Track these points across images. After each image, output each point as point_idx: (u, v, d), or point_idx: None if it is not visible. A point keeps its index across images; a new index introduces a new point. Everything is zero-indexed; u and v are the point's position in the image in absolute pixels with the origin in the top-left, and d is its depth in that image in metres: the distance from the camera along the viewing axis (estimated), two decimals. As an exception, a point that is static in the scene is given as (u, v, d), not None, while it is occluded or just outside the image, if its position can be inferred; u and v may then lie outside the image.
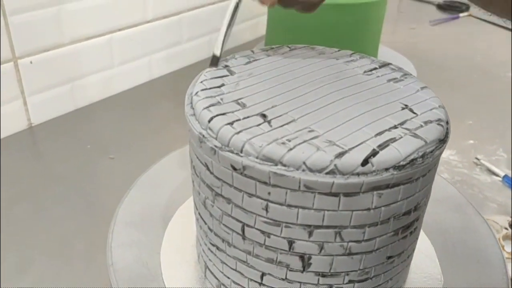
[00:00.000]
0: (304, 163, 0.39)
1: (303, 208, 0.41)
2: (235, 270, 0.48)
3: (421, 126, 0.43)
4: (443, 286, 0.55)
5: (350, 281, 0.46)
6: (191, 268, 0.55)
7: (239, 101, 0.45)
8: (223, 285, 0.51)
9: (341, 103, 0.46)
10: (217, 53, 0.51)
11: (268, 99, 0.46)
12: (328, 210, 0.41)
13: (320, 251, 0.43)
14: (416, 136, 0.42)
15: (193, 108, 0.46)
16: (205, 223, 0.49)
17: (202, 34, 1.18)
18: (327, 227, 0.42)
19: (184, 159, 0.72)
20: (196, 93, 0.46)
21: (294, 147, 0.40)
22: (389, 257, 0.46)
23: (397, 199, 0.42)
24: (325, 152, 0.39)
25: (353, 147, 0.40)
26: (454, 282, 0.55)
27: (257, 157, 0.40)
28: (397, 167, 0.40)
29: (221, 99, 0.45)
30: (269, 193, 0.41)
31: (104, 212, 0.67)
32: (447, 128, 0.45)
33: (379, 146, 0.40)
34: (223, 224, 0.46)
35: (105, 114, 0.96)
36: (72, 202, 0.72)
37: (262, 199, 0.42)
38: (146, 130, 0.91)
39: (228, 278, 0.50)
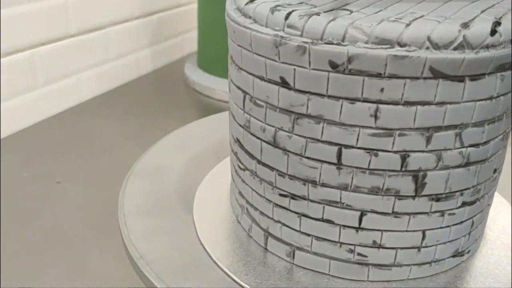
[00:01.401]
0: (428, 38, 0.31)
1: (423, 104, 0.33)
2: (322, 220, 0.38)
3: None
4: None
5: (463, 204, 0.38)
6: (245, 243, 0.44)
7: (306, 2, 0.37)
8: (299, 248, 0.40)
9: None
10: None
11: None
12: (450, 103, 0.33)
13: (437, 163, 0.35)
14: (520, 11, 0.36)
15: (250, 17, 0.36)
16: (272, 170, 0.39)
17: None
18: (448, 127, 0.34)
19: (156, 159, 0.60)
20: (248, 3, 0.37)
21: (411, 22, 0.32)
22: (495, 171, 0.39)
23: (513, 86, 0.36)
24: (450, 23, 0.32)
25: (473, 19, 0.33)
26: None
27: (366, 42, 0.32)
28: (520, 40, 0.34)
29: (284, 2, 0.37)
30: (382, 90, 0.33)
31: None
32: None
33: (496, 17, 0.34)
34: (307, 158, 0.36)
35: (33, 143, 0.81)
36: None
37: (370, 102, 0.33)
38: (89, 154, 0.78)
39: (309, 235, 0.39)
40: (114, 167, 0.71)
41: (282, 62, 0.34)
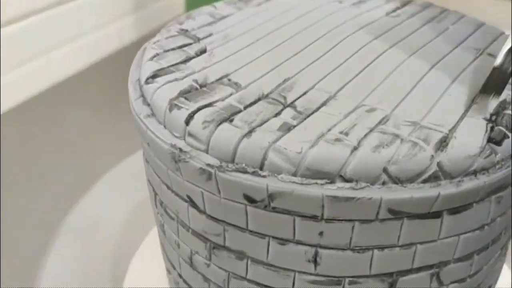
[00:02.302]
0: (385, 170, 0.21)
1: (382, 248, 0.23)
2: None
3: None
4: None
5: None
6: None
7: (227, 79, 0.26)
8: None
9: (384, 61, 0.28)
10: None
11: (272, 71, 0.27)
12: (422, 243, 0.23)
13: (406, 307, 0.26)
14: (532, 92, 0.25)
15: (149, 105, 0.26)
16: (194, 290, 0.30)
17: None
18: (419, 269, 0.24)
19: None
20: (148, 78, 0.27)
21: (360, 143, 0.22)
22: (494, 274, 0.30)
23: (516, 200, 0.25)
24: (417, 143, 0.22)
25: (454, 126, 0.23)
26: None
27: (295, 173, 0.21)
28: (528, 148, 0.23)
29: (196, 80, 0.26)
30: (321, 234, 0.23)
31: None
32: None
33: (493, 117, 0.23)
34: (231, 292, 0.27)
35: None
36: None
37: (307, 244, 0.23)
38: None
39: None
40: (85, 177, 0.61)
41: (187, 180, 0.24)
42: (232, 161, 0.22)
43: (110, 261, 0.42)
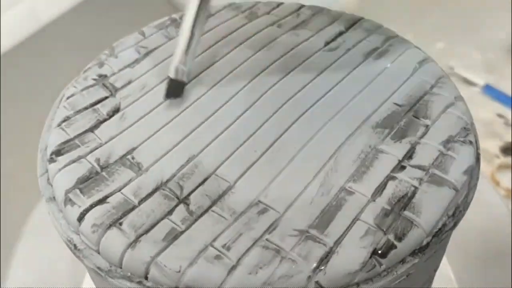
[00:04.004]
0: (261, 291, 0.21)
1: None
2: None
3: (441, 154, 0.26)
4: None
5: None
6: None
7: (131, 156, 0.26)
8: None
9: (300, 128, 0.27)
10: (176, 75, 0.29)
11: (180, 143, 0.27)
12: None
13: None
14: (438, 181, 0.25)
15: (51, 185, 0.26)
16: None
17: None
18: None
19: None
20: (52, 154, 0.26)
21: (239, 261, 0.22)
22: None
23: (415, 281, 0.26)
24: (295, 261, 0.22)
25: (341, 236, 0.22)
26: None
27: (175, 288, 0.22)
28: (419, 250, 0.23)
29: (98, 159, 0.26)
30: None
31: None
32: (476, 141, 0.27)
33: (384, 222, 0.23)
34: None
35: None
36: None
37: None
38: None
39: None
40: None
41: (90, 271, 0.25)
42: (121, 266, 0.23)
43: (70, 261, 0.45)
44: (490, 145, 0.74)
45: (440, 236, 0.24)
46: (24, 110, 0.68)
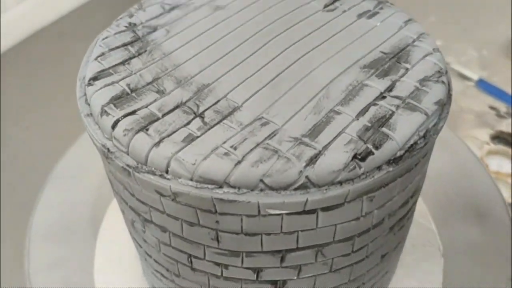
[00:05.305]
0: (261, 180, 0.26)
1: (268, 234, 0.29)
2: (190, 300, 0.37)
3: (417, 88, 0.31)
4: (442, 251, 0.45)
5: (339, 293, 0.35)
6: (135, 286, 0.44)
7: (156, 83, 0.31)
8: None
9: (300, 65, 0.32)
10: None
11: (197, 74, 0.32)
12: (302, 230, 0.29)
13: (298, 274, 0.32)
14: (412, 107, 0.29)
15: (88, 104, 0.31)
16: (141, 246, 0.37)
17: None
18: (304, 248, 0.30)
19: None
20: (90, 80, 0.31)
21: (244, 157, 0.27)
22: (384, 255, 0.36)
23: (393, 195, 0.30)
24: (290, 159, 0.26)
25: (329, 144, 0.27)
26: (455, 245, 0.47)
27: (191, 179, 0.27)
28: (393, 160, 0.28)
29: (128, 85, 0.31)
30: (217, 222, 0.28)
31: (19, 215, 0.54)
32: (448, 83, 0.32)
33: (364, 135, 0.28)
34: (163, 254, 0.34)
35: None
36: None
37: (209, 228, 0.29)
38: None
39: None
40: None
41: (117, 172, 0.30)
42: (146, 163, 0.28)
43: (90, 207, 0.50)
44: (480, 133, 0.78)
45: (412, 151, 0.28)
46: (24, 108, 0.72)
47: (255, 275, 0.32)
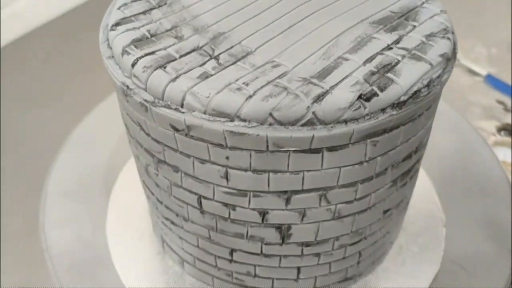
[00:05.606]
0: (270, 114, 0.28)
1: (275, 172, 0.30)
2: (197, 247, 0.38)
3: (423, 42, 0.32)
4: (445, 227, 0.47)
5: (340, 246, 0.37)
6: (146, 242, 0.45)
7: (174, 30, 0.33)
8: (186, 261, 0.41)
9: (312, 19, 0.34)
10: None
11: (214, 24, 0.33)
12: (308, 171, 0.30)
13: (302, 219, 0.33)
14: (417, 57, 0.31)
15: (110, 48, 0.33)
16: (152, 194, 0.38)
17: None
18: (309, 190, 0.32)
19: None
20: (113, 26, 0.33)
21: (255, 92, 0.28)
22: (387, 211, 0.37)
23: (396, 144, 0.32)
24: (298, 95, 0.28)
25: (336, 84, 0.29)
26: (457, 217, 0.48)
27: (204, 112, 0.28)
28: (397, 104, 0.29)
29: (149, 30, 0.33)
30: (227, 158, 0.30)
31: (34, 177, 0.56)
32: (454, 42, 0.34)
33: (370, 78, 0.29)
34: (174, 197, 0.35)
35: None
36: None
37: (219, 165, 0.31)
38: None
39: (190, 255, 0.40)
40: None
41: (134, 110, 0.32)
42: (162, 98, 0.29)
43: (105, 169, 0.51)
44: (487, 125, 0.79)
45: (415, 98, 0.30)
46: (23, 103, 0.75)
47: (261, 218, 0.33)
